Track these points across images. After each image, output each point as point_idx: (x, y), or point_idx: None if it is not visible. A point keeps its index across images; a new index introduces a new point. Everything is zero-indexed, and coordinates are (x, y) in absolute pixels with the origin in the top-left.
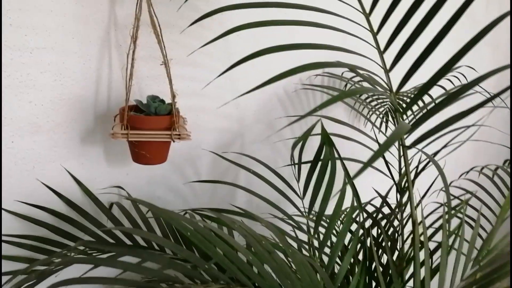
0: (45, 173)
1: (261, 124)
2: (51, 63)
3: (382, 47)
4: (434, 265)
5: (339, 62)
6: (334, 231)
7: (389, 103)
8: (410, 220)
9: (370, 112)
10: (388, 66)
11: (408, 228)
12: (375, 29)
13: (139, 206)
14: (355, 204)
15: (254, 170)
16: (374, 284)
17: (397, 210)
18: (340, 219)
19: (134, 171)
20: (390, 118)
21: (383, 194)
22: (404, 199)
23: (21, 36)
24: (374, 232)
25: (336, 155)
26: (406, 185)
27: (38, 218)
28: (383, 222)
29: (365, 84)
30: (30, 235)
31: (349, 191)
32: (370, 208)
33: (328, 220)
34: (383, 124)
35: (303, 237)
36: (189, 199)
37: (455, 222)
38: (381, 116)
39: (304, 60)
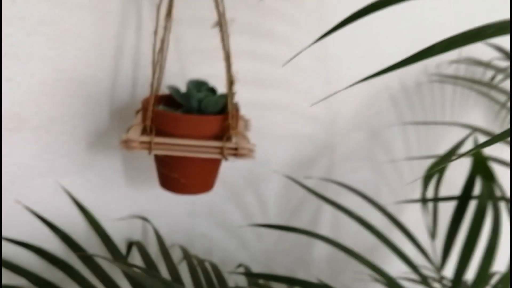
0: (30, 192)
1: (361, 133)
2: (43, 21)
3: None
4: None
5: None
6: None
7: None
8: None
9: None
10: None
11: None
12: None
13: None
14: None
15: (347, 209)
16: None
17: None
18: None
19: (167, 195)
20: None
21: None
22: None
23: None
24: None
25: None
26: None
27: (16, 260)
28: None
29: None
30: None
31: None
32: None
33: None
34: None
35: None
36: (247, 241)
37: None
38: None
39: (422, 41)
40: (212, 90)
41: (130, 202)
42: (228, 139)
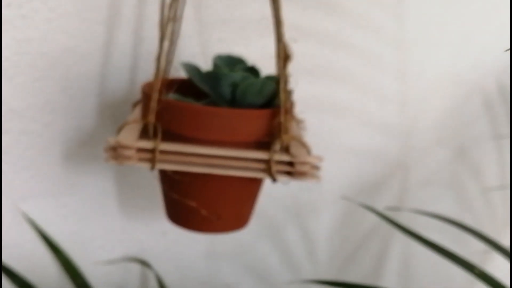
0: None
1: (444, 149)
2: None
3: None
4: None
5: None
6: None
7: None
8: None
9: None
10: None
11: None
12: None
13: None
14: None
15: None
16: None
17: None
18: None
19: (179, 230)
20: None
21: None
22: None
23: None
24: None
25: None
26: None
27: None
28: None
29: None
30: None
31: None
32: None
33: None
34: None
35: None
36: None
37: None
38: None
39: None
40: (253, 70)
41: (125, 237)
42: (280, 145)
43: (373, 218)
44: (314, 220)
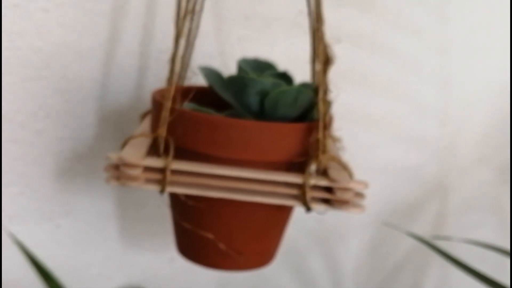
0: None
1: (489, 169)
2: None
3: None
4: None
5: None
6: None
7: None
8: None
9: None
10: None
11: None
12: None
13: None
14: None
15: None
16: None
17: None
18: None
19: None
20: None
21: None
22: None
23: None
24: None
25: None
26: None
27: None
28: None
29: None
30: None
31: None
32: None
33: None
34: None
35: None
36: None
37: None
38: None
39: None
40: (285, 77)
41: (126, 264)
42: (317, 166)
43: (405, 246)
44: (340, 247)
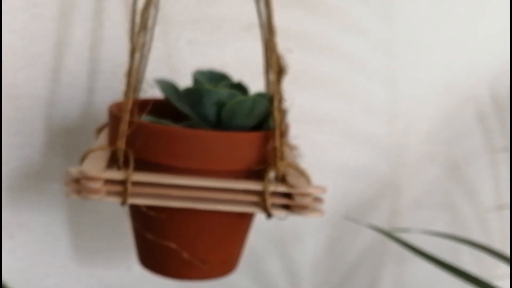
0: None
1: (437, 165)
2: None
3: None
4: None
5: None
6: None
7: None
8: None
9: None
10: None
11: None
12: None
13: None
14: None
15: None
16: None
17: None
18: None
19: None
20: None
21: None
22: None
23: None
24: None
25: None
26: None
27: None
28: None
29: None
30: None
31: None
32: None
33: None
34: None
35: None
36: None
37: None
38: None
39: None
40: (240, 87)
41: (83, 274)
42: (276, 174)
43: (361, 244)
44: (297, 249)
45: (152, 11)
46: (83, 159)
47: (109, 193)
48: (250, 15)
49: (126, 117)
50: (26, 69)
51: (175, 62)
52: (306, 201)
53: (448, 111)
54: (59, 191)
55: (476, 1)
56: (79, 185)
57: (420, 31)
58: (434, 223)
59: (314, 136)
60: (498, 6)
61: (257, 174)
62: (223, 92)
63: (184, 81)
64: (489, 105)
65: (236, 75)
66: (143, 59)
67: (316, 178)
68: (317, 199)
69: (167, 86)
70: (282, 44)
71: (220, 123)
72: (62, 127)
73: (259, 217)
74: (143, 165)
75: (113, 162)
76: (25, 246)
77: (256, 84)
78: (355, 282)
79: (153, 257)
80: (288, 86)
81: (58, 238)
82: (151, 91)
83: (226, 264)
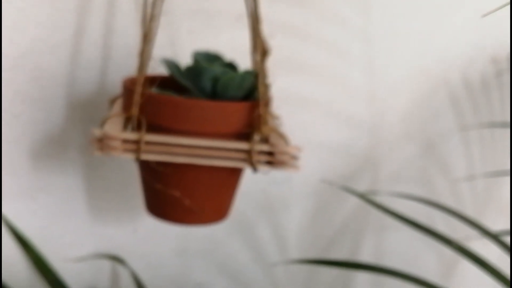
0: None
1: (413, 143)
2: None
3: None
4: None
5: None
6: None
7: None
8: None
9: None
10: None
11: None
12: None
13: None
14: None
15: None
16: None
17: None
18: None
19: (146, 226)
20: None
21: None
22: None
23: None
24: None
25: None
26: None
27: None
28: None
29: None
30: None
31: None
32: None
33: None
34: None
35: None
36: None
37: None
38: None
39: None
40: (231, 66)
41: (95, 234)
42: (259, 137)
43: (344, 214)
44: (284, 216)
45: (159, 3)
46: (103, 123)
47: (126, 150)
48: (241, 7)
49: (139, 89)
50: (49, 55)
51: (176, 49)
52: (285, 158)
53: (422, 93)
54: (77, 159)
55: None
56: (101, 143)
57: (396, 20)
58: (411, 192)
59: (300, 116)
60: None
61: (245, 136)
62: (217, 69)
63: (185, 62)
64: (461, 87)
65: (228, 57)
66: (151, 43)
67: (303, 153)
68: (294, 157)
69: (172, 64)
70: (266, 31)
71: (215, 95)
72: (79, 103)
73: (250, 188)
74: (151, 128)
75: (126, 126)
76: (45, 207)
77: (244, 63)
78: (339, 247)
79: (159, 204)
80: (276, 71)
81: (74, 201)
82: (159, 69)
83: (218, 212)
